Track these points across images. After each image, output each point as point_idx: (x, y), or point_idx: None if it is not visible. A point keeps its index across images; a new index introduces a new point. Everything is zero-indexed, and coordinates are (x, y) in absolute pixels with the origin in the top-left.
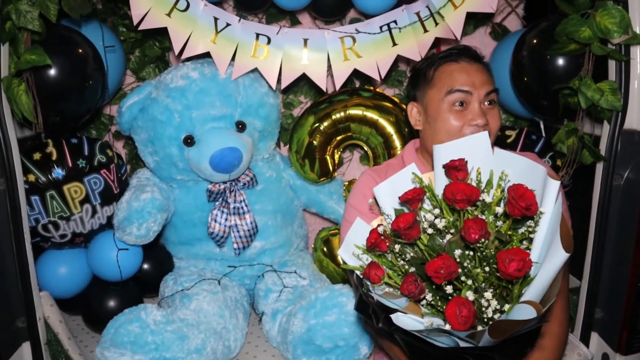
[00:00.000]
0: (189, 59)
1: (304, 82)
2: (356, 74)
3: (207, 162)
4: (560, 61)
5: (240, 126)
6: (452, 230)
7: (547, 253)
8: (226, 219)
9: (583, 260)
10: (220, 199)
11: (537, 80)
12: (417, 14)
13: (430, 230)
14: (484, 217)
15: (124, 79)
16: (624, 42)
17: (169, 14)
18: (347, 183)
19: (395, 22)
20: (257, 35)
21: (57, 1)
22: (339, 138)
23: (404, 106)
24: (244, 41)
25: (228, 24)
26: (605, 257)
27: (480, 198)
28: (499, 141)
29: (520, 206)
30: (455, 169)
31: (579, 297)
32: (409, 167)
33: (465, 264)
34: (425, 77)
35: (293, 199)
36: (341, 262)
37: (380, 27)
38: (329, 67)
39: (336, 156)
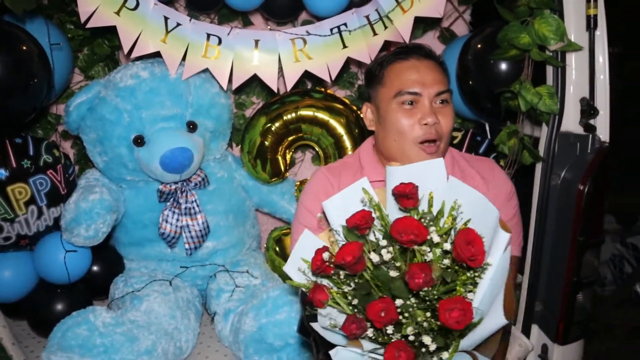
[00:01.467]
0: (138, 58)
1: (255, 82)
2: (307, 75)
3: (158, 163)
4: (503, 66)
5: (192, 126)
6: (398, 264)
7: (489, 306)
8: (177, 220)
9: (524, 256)
10: (172, 199)
11: (481, 84)
12: (367, 17)
13: (376, 259)
14: (430, 254)
15: (71, 77)
16: (560, 49)
17: (117, 12)
18: (298, 183)
19: (345, 24)
20: (208, 35)
21: None
22: (290, 138)
23: (354, 107)
24: (195, 41)
25: (179, 24)
26: (544, 253)
27: (429, 237)
28: None
29: (466, 255)
30: (405, 197)
31: (520, 291)
32: (360, 181)
33: (405, 313)
34: (376, 76)
35: (245, 199)
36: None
37: (331, 30)
38: (280, 68)
39: (288, 156)
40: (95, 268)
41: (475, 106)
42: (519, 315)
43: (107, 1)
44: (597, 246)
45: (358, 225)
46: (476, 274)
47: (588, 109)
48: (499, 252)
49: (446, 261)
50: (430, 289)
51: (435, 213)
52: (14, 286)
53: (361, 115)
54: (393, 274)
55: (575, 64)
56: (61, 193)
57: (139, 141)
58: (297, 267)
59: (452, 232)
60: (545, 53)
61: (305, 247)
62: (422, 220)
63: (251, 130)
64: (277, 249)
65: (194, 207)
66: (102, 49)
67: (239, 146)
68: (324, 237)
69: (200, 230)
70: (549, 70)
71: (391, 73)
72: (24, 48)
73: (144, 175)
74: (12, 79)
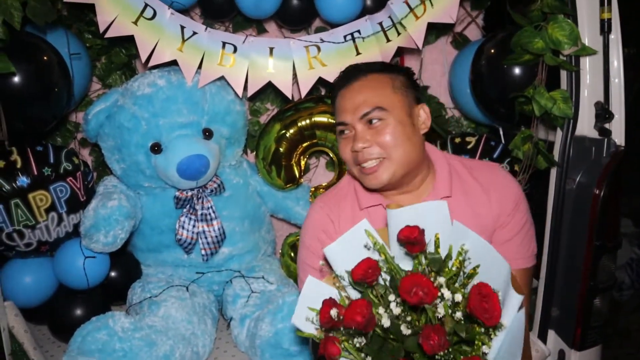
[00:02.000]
0: (155, 67)
1: (270, 89)
2: (321, 81)
3: (175, 170)
4: (516, 70)
5: (207, 133)
6: (409, 318)
7: None
8: (194, 226)
9: (540, 261)
10: (188, 205)
11: (494, 89)
12: (380, 24)
13: (387, 324)
14: (441, 311)
15: (90, 85)
16: (574, 53)
17: (135, 22)
18: (313, 189)
19: (359, 31)
20: (224, 43)
21: (21, 8)
22: (305, 145)
23: None
24: (211, 50)
25: (195, 33)
26: (559, 258)
27: (439, 294)
28: (460, 148)
29: (481, 314)
30: (412, 244)
31: (536, 296)
32: (360, 223)
33: None
34: (332, 101)
35: (260, 205)
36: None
37: (345, 37)
38: (295, 75)
39: (302, 162)
40: (113, 274)
41: (489, 111)
42: (536, 320)
43: (125, 11)
44: (614, 250)
45: (365, 277)
46: (490, 331)
47: (603, 113)
48: (511, 313)
49: (458, 314)
50: (445, 352)
51: (443, 256)
52: (35, 291)
53: None
54: (404, 329)
55: (589, 67)
56: (80, 200)
57: (156, 148)
58: (305, 317)
59: (462, 277)
60: (559, 57)
61: (311, 294)
62: (426, 270)
63: (266, 137)
64: (292, 254)
65: (210, 214)
66: (119, 57)
67: (254, 152)
68: (329, 281)
69: (216, 236)
70: (563, 74)
71: (335, 106)
72: (45, 58)
73: (161, 182)
74: (34, 88)
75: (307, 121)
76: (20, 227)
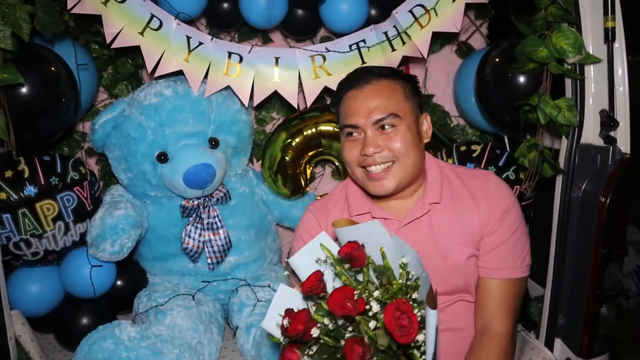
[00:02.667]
0: (162, 77)
1: (276, 99)
2: (327, 91)
3: (181, 179)
4: (521, 79)
5: (213, 143)
6: (350, 328)
7: None
8: (200, 235)
9: (546, 269)
10: (194, 214)
11: (499, 97)
12: (385, 33)
13: (316, 334)
14: (372, 324)
15: (96, 95)
16: (579, 61)
17: (141, 33)
18: (319, 197)
19: (364, 41)
20: (230, 53)
21: (29, 20)
22: (310, 153)
23: None
24: (217, 59)
25: (201, 43)
26: (566, 266)
27: (367, 306)
28: (465, 156)
29: (398, 327)
30: (351, 259)
31: (543, 304)
32: (318, 236)
33: None
34: (337, 111)
35: (266, 213)
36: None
37: (350, 46)
38: (300, 84)
39: (308, 171)
40: (119, 282)
41: (494, 119)
42: (542, 328)
43: (132, 22)
44: (620, 258)
45: (312, 289)
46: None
47: (608, 121)
48: (431, 330)
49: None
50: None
51: (383, 268)
52: (42, 300)
53: None
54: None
55: (594, 76)
56: (87, 209)
57: (163, 158)
58: (276, 322)
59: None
60: (564, 66)
61: (282, 300)
62: (373, 274)
63: (272, 146)
64: None
65: (216, 222)
66: (125, 67)
67: (260, 161)
68: (298, 289)
69: (222, 245)
70: (568, 82)
71: (340, 105)
72: (53, 69)
73: (167, 191)
74: (42, 99)
75: (313, 130)
76: (27, 236)
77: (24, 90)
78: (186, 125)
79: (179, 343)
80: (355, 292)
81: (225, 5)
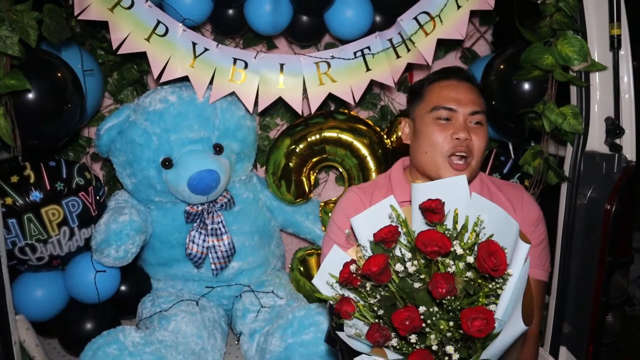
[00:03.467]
0: (167, 83)
1: (280, 105)
2: (331, 97)
3: (185, 184)
4: (526, 86)
5: (218, 149)
6: (423, 276)
7: (510, 316)
8: (204, 240)
9: (551, 277)
10: (198, 220)
11: (504, 104)
12: (390, 40)
13: (401, 274)
14: (453, 267)
15: (102, 101)
16: (584, 69)
17: (147, 39)
18: (323, 204)
19: (369, 48)
20: (235, 60)
21: (37, 27)
22: (314, 160)
23: (377, 129)
24: (222, 66)
25: (206, 49)
26: (571, 274)
27: (452, 249)
28: None
29: (489, 265)
30: (432, 211)
31: (548, 312)
32: (387, 199)
33: (429, 321)
34: (418, 92)
35: (270, 219)
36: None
37: (355, 53)
38: (305, 91)
39: (312, 177)
40: (123, 288)
41: (499, 126)
42: (547, 336)
43: (138, 28)
44: (626, 266)
45: (385, 238)
46: (498, 285)
47: (613, 128)
48: (519, 262)
49: (469, 274)
50: (453, 298)
51: (459, 228)
52: (47, 305)
53: (384, 137)
54: (417, 285)
55: (599, 83)
56: (92, 214)
57: (167, 163)
58: (326, 281)
59: (476, 247)
60: (569, 73)
61: (333, 262)
62: (447, 233)
63: (276, 152)
64: (302, 269)
65: (220, 228)
66: (131, 73)
67: (264, 167)
68: (352, 253)
69: (226, 251)
70: (573, 90)
71: (431, 90)
72: (60, 75)
73: (171, 197)
74: (48, 105)
75: (317, 136)
76: (32, 241)
77: (30, 96)
78: (191, 131)
79: (182, 349)
80: (447, 230)
81: (231, 11)
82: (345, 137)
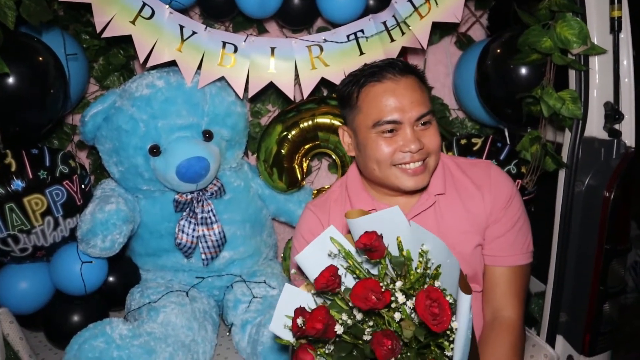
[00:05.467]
0: (154, 68)
1: (271, 90)
2: (324, 82)
3: (174, 172)
4: (523, 70)
5: (207, 135)
6: (372, 322)
7: None
8: (194, 230)
9: (548, 265)
10: (188, 209)
11: (501, 89)
12: (384, 23)
13: (350, 321)
14: (397, 315)
15: (87, 87)
16: (583, 52)
17: (133, 22)
18: (315, 192)
19: (362, 31)
20: (224, 43)
21: (15, 7)
22: (307, 146)
23: None
24: (211, 49)
25: (194, 32)
26: (568, 262)
27: (392, 298)
28: (466, 150)
29: (428, 318)
30: (370, 250)
31: (544, 300)
32: (327, 230)
33: None
34: (350, 99)
35: (262, 208)
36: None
37: (348, 36)
38: (297, 75)
39: (304, 165)
40: (111, 279)
41: (495, 112)
42: (543, 325)
43: (123, 11)
44: (624, 254)
45: (327, 285)
46: (447, 335)
47: (612, 114)
48: (464, 315)
49: (417, 318)
50: (400, 356)
51: (403, 259)
52: (31, 298)
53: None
54: (366, 335)
55: (598, 67)
56: (77, 204)
57: (155, 151)
58: (283, 324)
59: (427, 279)
60: (568, 57)
61: (288, 301)
62: (390, 267)
63: (267, 139)
64: None
65: (210, 217)
66: (117, 58)
67: (255, 155)
68: (305, 289)
69: (216, 240)
70: (572, 74)
71: (367, 99)
72: (41, 59)
73: (160, 185)
74: (28, 90)
75: (310, 122)
76: (15, 231)
77: (9, 80)
78: (179, 117)
79: (172, 341)
80: (381, 284)
81: None
82: (339, 123)
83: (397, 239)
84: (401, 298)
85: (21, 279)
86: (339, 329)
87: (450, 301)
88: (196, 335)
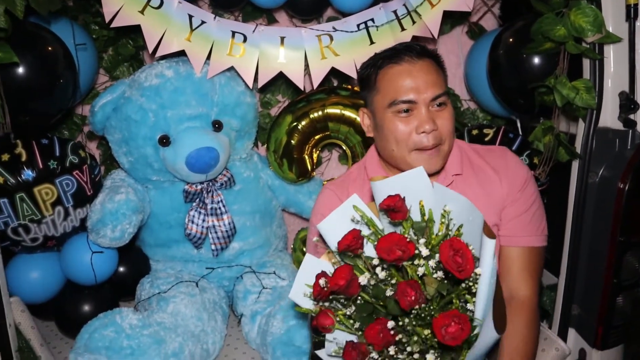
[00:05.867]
0: (163, 58)
1: (281, 80)
2: (334, 72)
3: (183, 163)
4: (536, 60)
5: (217, 125)
6: (394, 280)
7: (483, 322)
8: (203, 220)
9: (560, 257)
10: (197, 199)
11: (513, 79)
12: (395, 12)
13: (372, 281)
14: (422, 268)
15: (96, 78)
16: (598, 40)
17: (142, 11)
18: (325, 183)
19: (372, 20)
20: (233, 33)
21: None
22: (317, 137)
23: None
24: (220, 39)
25: (203, 22)
26: (581, 254)
27: (417, 251)
28: (477, 140)
29: (453, 267)
30: (393, 210)
31: (556, 293)
32: (350, 198)
33: (401, 335)
34: (369, 81)
35: (271, 199)
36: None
37: (358, 26)
38: (307, 65)
39: (314, 155)
40: (121, 269)
41: (508, 102)
42: (555, 318)
43: (131, 0)
44: (638, 246)
45: (349, 246)
46: (470, 284)
47: (628, 103)
48: (488, 261)
49: (440, 273)
50: (424, 306)
51: (426, 221)
52: (42, 287)
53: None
54: (389, 292)
55: (613, 56)
56: (87, 194)
57: (165, 141)
58: (303, 293)
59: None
60: (582, 45)
61: (308, 271)
62: (412, 232)
63: (277, 129)
64: (304, 249)
65: (220, 208)
66: (126, 49)
67: (265, 145)
68: (325, 258)
69: (226, 231)
70: (586, 63)
71: (384, 79)
72: (50, 49)
73: (169, 176)
74: (38, 80)
75: (320, 113)
76: (25, 221)
77: (19, 70)
78: (188, 107)
79: (182, 331)
80: (406, 236)
81: None
82: (349, 113)
83: (420, 203)
84: (425, 251)
85: (32, 269)
86: (363, 280)
87: (475, 254)
88: (206, 325)
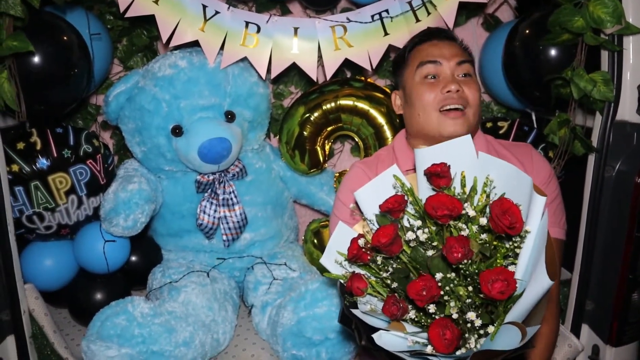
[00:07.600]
0: (177, 48)
1: (294, 72)
2: (347, 64)
3: (196, 153)
4: (553, 51)
5: (230, 116)
6: (435, 243)
7: (532, 274)
8: (215, 211)
9: (574, 252)
10: (209, 190)
11: (529, 71)
12: (409, 3)
13: (412, 243)
14: (467, 230)
15: (111, 67)
16: (617, 32)
17: (156, 2)
18: (337, 174)
19: (387, 11)
20: (247, 23)
21: None
22: (329, 129)
23: None
24: (233, 29)
25: (217, 12)
26: (596, 249)
27: (463, 212)
28: (492, 133)
29: (504, 224)
30: (437, 175)
31: (570, 288)
32: (390, 168)
33: (447, 288)
34: (402, 61)
35: (283, 190)
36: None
37: (372, 16)
38: (320, 56)
39: (327, 147)
40: (133, 258)
41: (523, 95)
42: (568, 313)
43: None
44: None
45: (391, 208)
46: (515, 244)
47: None
48: (536, 217)
49: (484, 236)
50: (469, 262)
51: (468, 191)
52: (56, 274)
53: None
54: (430, 253)
55: (633, 47)
56: (101, 183)
57: (177, 131)
58: (334, 260)
59: (487, 209)
60: (601, 37)
61: (340, 239)
62: (456, 196)
63: (290, 120)
64: (315, 241)
65: (231, 198)
66: (140, 39)
67: (277, 137)
68: (358, 228)
69: (238, 222)
70: (604, 55)
71: (414, 54)
72: (65, 38)
73: (182, 166)
74: (53, 69)
75: (332, 104)
76: (40, 209)
77: (34, 59)
78: (201, 97)
79: (192, 320)
80: (457, 192)
81: None
82: (362, 105)
83: (462, 174)
84: (471, 212)
85: (46, 257)
86: (411, 235)
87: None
88: (216, 315)
